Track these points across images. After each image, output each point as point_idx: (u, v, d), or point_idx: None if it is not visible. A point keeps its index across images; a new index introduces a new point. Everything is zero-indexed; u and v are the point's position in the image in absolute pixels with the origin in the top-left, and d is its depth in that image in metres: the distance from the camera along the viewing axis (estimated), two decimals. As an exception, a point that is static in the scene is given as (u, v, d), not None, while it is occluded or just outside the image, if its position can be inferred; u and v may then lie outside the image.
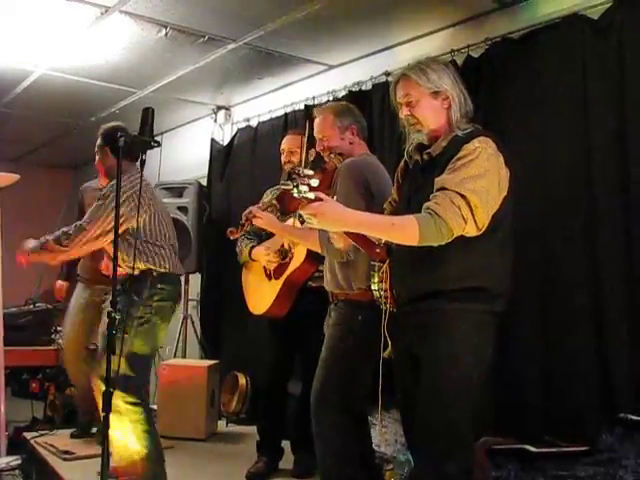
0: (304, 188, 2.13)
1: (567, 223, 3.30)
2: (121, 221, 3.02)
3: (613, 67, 3.18)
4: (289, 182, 2.16)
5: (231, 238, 3.52)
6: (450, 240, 2.20)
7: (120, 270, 2.88)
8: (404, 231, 2.20)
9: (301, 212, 2.20)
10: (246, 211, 3.33)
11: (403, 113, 2.42)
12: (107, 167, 3.44)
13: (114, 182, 2.88)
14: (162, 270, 3.28)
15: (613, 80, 3.18)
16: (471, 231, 2.22)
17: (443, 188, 2.21)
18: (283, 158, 3.83)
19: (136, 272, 3.16)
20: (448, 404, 2.27)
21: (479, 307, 2.31)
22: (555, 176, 3.36)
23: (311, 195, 2.15)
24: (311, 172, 2.16)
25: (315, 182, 2.15)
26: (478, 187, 2.20)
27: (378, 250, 2.38)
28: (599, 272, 3.16)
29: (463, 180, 2.20)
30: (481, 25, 3.87)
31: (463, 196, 2.18)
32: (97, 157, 3.50)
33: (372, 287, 2.44)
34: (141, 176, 2.84)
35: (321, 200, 2.17)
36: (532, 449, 2.95)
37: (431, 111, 2.38)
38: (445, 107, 2.37)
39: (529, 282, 3.34)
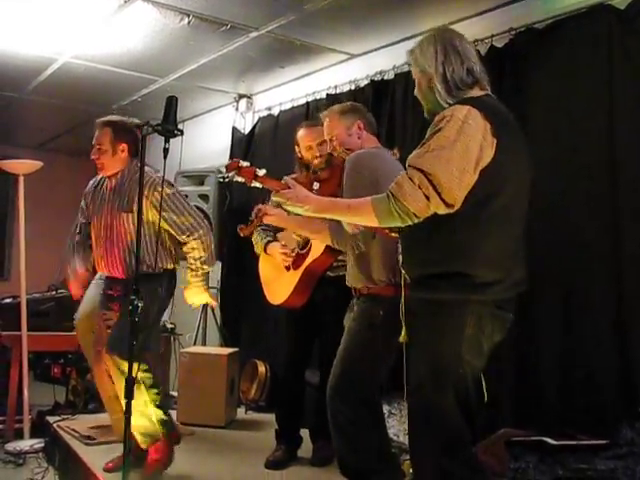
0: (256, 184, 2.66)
1: (592, 211, 3.27)
2: None
3: (639, 57, 3.14)
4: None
5: (242, 235, 3.48)
6: (418, 220, 2.08)
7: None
8: (360, 214, 2.22)
9: (273, 198, 2.50)
10: (255, 209, 3.33)
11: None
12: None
13: None
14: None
15: (639, 70, 3.14)
16: (439, 208, 2.06)
17: (408, 165, 2.12)
18: (298, 152, 3.69)
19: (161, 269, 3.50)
20: (428, 396, 2.18)
21: (462, 297, 2.12)
22: (578, 166, 3.33)
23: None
24: (264, 171, 2.67)
25: (262, 171, 2.68)
26: (442, 160, 2.03)
27: (387, 230, 2.35)
28: (622, 264, 3.13)
29: (425, 154, 2.07)
30: (505, 15, 3.83)
31: (422, 171, 2.04)
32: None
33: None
34: (164, 166, 2.84)
35: (289, 188, 2.42)
36: (551, 441, 2.93)
37: (421, 90, 2.33)
38: (432, 85, 2.26)
39: (549, 275, 3.32)
